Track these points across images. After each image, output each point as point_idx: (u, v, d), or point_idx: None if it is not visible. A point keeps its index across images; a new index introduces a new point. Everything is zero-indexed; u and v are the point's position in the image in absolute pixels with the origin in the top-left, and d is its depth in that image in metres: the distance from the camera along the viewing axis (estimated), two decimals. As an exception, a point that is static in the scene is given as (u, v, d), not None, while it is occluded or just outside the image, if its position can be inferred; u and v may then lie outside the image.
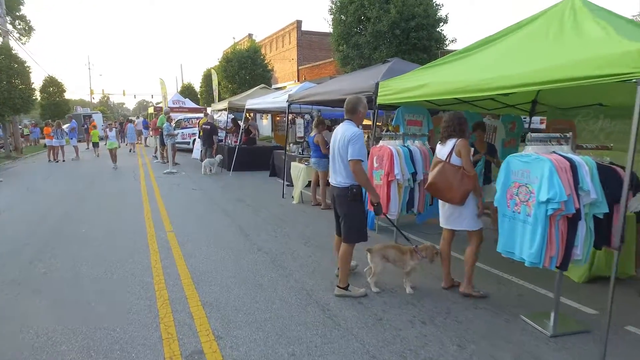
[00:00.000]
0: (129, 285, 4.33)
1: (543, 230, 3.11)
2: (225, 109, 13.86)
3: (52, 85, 33.97)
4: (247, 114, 16.45)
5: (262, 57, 22.87)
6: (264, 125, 30.04)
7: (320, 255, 5.28)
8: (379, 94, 5.75)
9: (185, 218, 7.18)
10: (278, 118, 17.23)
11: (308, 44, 26.35)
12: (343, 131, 3.96)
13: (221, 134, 14.39)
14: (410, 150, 5.27)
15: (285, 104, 9.41)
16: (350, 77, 7.73)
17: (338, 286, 4.11)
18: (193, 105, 26.15)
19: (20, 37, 32.21)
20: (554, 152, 3.26)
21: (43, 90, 33.69)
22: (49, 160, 17.42)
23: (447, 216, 4.01)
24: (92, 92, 60.63)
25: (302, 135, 8.99)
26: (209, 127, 12.73)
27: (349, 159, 3.79)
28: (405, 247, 4.27)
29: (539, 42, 3.82)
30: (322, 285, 4.34)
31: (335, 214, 4.28)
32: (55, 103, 33.66)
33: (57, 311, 3.77)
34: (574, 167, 3.05)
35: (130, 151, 22.86)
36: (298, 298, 4.02)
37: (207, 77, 30.17)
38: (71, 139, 19.17)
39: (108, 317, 3.64)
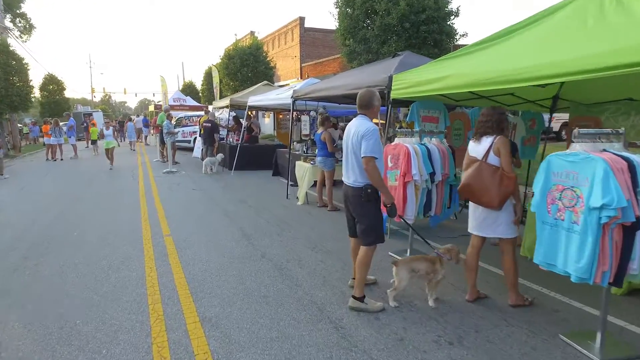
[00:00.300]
0: (120, 297, 3.92)
1: (594, 240, 2.68)
2: (227, 107, 13.44)
3: (52, 83, 33.62)
4: (250, 112, 16.04)
5: (264, 54, 22.44)
6: (266, 123, 29.63)
7: (330, 263, 4.86)
8: (392, 87, 5.34)
9: (184, 220, 6.77)
10: (281, 116, 16.80)
11: (311, 41, 25.94)
12: (357, 126, 3.55)
13: (222, 132, 13.98)
14: (428, 149, 4.84)
15: (290, 101, 9.00)
16: (358, 71, 7.30)
17: (353, 296, 3.71)
18: (194, 103, 25.75)
19: (21, 35, 32.02)
20: (604, 150, 2.83)
21: (43, 88, 33.38)
22: (47, 159, 17.06)
23: (480, 221, 3.58)
24: (93, 91, 60.33)
25: (307, 133, 8.57)
26: (210, 125, 12.32)
27: (362, 156, 3.40)
28: (431, 256, 3.87)
29: (578, 27, 3.39)
30: (334, 298, 3.92)
31: (349, 215, 3.88)
32: (55, 101, 33.32)
33: (37, 327, 3.36)
34: (632, 168, 2.63)
35: (131, 149, 22.52)
36: (308, 314, 3.60)
37: (208, 75, 29.75)
38: (69, 137, 18.76)
39: (94, 336, 3.22)
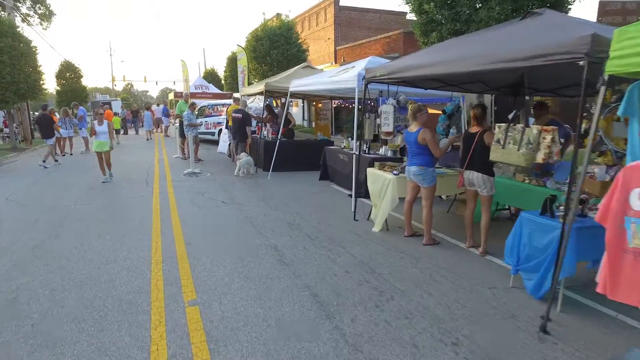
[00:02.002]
0: None
1: None
2: (260, 93, 11.06)
3: (69, 71, 31.91)
4: (277, 100, 13.67)
5: (296, 34, 19.92)
6: (294, 112, 27.22)
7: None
8: (612, 54, 2.87)
9: (215, 266, 4.42)
10: (320, 105, 14.33)
11: (347, 22, 23.29)
12: None
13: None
14: None
15: (353, 85, 6.58)
16: (494, 34, 4.71)
17: None
18: (217, 90, 23.51)
19: (41, 22, 30.69)
20: None
21: (59, 75, 31.73)
22: (55, 153, 15.08)
23: None
24: (113, 79, 59.07)
25: (390, 129, 6.09)
26: (240, 115, 9.95)
27: None
28: None
29: None
30: None
31: None
32: (72, 89, 31.63)
33: None
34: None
35: (148, 138, 20.73)
36: None
37: (232, 61, 27.46)
38: (80, 129, 16.68)
39: None
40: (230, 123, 11.71)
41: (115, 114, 24.83)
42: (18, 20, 23.57)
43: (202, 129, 15.92)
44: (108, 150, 9.06)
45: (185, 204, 7.08)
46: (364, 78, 5.91)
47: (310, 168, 10.25)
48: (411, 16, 10.01)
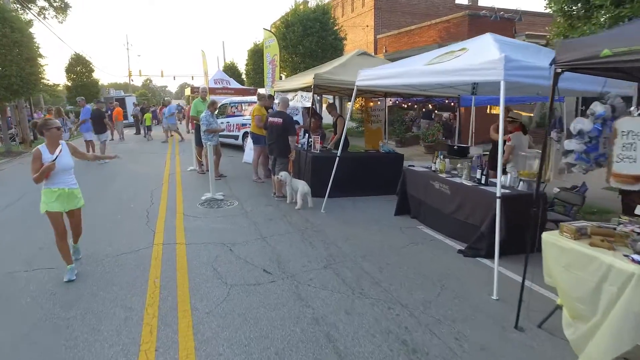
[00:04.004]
0: None
1: None
2: (305, 89, 8.17)
3: (79, 64, 29.72)
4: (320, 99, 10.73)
5: (333, 19, 16.98)
6: (325, 112, 24.30)
7: None
8: None
9: None
10: (372, 104, 11.41)
11: (388, 6, 20.22)
12: None
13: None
14: None
15: (499, 75, 3.74)
16: None
17: None
18: (240, 85, 20.79)
19: (57, 15, 28.76)
20: None
21: (69, 70, 29.59)
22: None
23: None
24: (130, 74, 57.18)
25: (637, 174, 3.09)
26: (280, 120, 7.05)
27: None
28: None
29: None
30: None
31: None
32: (83, 84, 29.43)
33: None
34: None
35: (169, 135, 18.45)
36: None
37: (254, 54, 24.74)
38: (84, 131, 13.72)
39: None
40: (252, 128, 8.90)
41: (150, 110, 22.22)
42: (31, 14, 21.32)
43: (224, 132, 13.17)
44: (80, 207, 4.39)
45: (202, 274, 4.26)
46: (555, 62, 2.96)
47: (374, 192, 7.44)
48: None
